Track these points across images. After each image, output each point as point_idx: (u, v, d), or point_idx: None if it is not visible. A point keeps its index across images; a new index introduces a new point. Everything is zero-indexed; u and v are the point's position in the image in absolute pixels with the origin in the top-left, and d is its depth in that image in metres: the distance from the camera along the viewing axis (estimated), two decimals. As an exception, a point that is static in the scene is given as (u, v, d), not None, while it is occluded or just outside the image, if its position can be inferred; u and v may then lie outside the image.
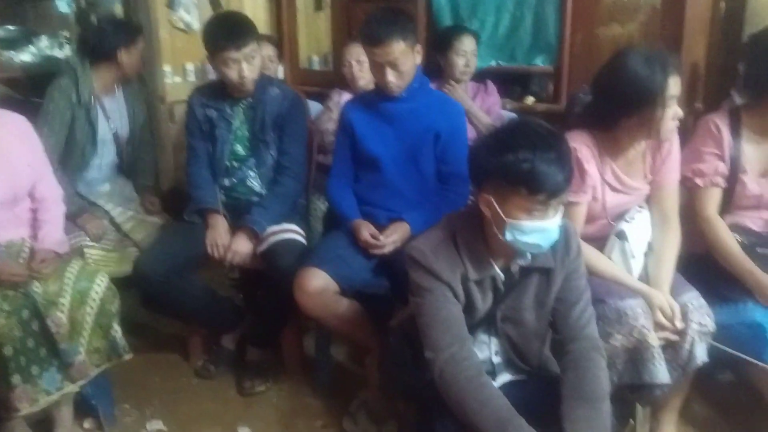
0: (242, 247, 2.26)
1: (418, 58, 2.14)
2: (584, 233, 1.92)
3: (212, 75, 2.93)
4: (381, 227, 2.13)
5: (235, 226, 2.31)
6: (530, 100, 2.91)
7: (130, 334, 2.11)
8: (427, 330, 1.48)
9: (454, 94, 2.69)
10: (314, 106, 3.05)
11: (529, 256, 1.50)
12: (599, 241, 1.93)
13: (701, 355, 1.74)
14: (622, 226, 1.88)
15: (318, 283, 2.00)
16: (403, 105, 2.16)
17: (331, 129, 2.86)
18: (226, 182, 2.39)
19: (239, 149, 2.37)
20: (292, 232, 2.30)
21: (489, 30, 2.97)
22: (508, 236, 1.40)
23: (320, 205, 2.70)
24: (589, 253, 1.85)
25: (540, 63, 2.87)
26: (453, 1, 3.01)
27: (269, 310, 2.33)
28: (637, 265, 1.88)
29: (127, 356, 2.03)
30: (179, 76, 2.98)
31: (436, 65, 2.79)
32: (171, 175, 3.07)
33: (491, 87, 2.86)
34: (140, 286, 2.21)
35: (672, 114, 1.75)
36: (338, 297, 2.05)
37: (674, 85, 1.72)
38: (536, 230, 1.39)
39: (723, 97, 2.49)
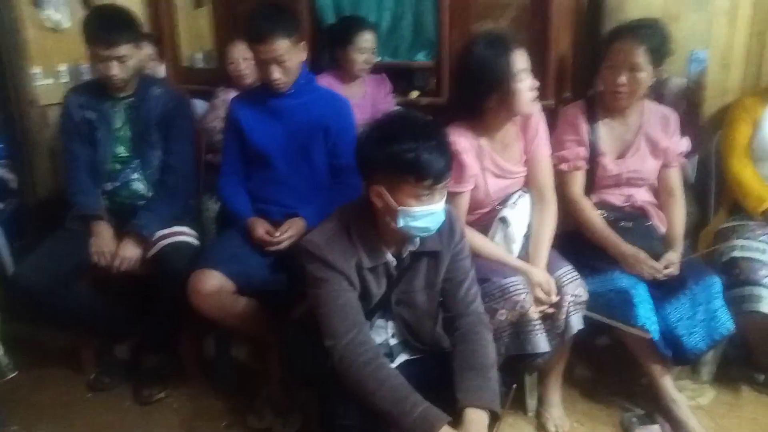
0: (130, 252, 2.19)
1: (304, 55, 2.17)
2: (472, 219, 2.04)
3: (87, 75, 2.79)
4: (276, 223, 2.14)
5: (122, 232, 2.22)
6: (415, 94, 3.01)
7: (14, 351, 1.98)
8: (325, 319, 1.52)
9: None
10: (200, 105, 2.99)
11: (418, 241, 1.58)
12: (486, 225, 2.05)
13: (577, 324, 1.90)
14: (505, 212, 2.01)
15: (213, 284, 1.98)
16: (290, 101, 2.17)
17: (218, 127, 2.81)
18: (109, 186, 2.29)
19: (121, 151, 2.29)
20: (183, 234, 2.25)
21: (372, 27, 3.04)
22: (401, 222, 1.47)
23: (212, 205, 2.65)
24: (473, 236, 1.97)
25: (422, 58, 2.98)
26: (335, -2, 3.06)
27: (163, 315, 2.26)
28: (517, 248, 2.02)
29: (12, 375, 1.91)
30: (51, 77, 2.80)
31: (332, 59, 2.82)
32: (49, 182, 2.89)
33: (388, 86, 2.92)
34: (21, 300, 2.08)
35: (527, 86, 1.89)
36: (235, 296, 2.04)
37: (519, 59, 1.87)
38: (425, 214, 1.48)
39: (590, 87, 2.70)
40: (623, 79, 2.03)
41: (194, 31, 3.52)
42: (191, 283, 1.99)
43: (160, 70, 3.09)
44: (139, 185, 2.31)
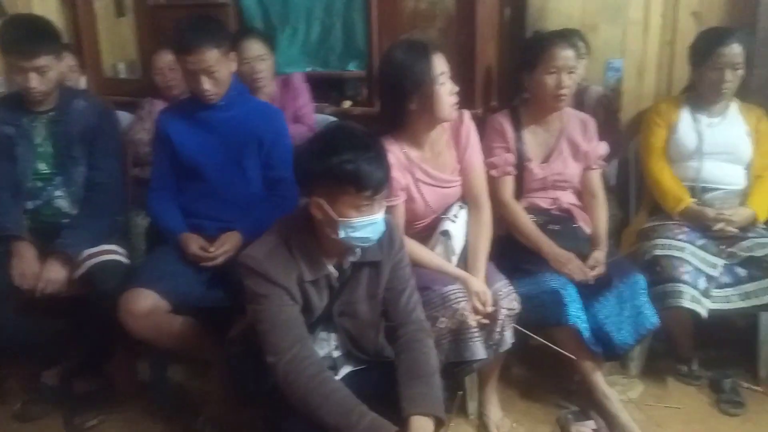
0: (55, 274, 2.08)
1: (234, 66, 2.14)
2: (414, 231, 2.07)
3: (2, 88, 2.65)
4: (211, 238, 2.09)
5: (46, 252, 2.11)
6: (347, 103, 3.02)
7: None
8: (267, 335, 1.50)
9: None
10: (125, 117, 2.89)
11: (359, 251, 1.59)
12: (427, 237, 2.08)
13: (510, 338, 1.97)
14: (447, 225, 2.04)
15: (146, 304, 1.92)
16: (222, 113, 2.14)
17: (145, 140, 2.73)
18: (30, 205, 2.18)
19: (43, 167, 2.18)
20: (111, 252, 2.16)
21: (301, 37, 3.04)
22: (342, 234, 1.48)
23: (141, 221, 2.57)
24: (413, 246, 2.00)
25: (353, 68, 3.00)
26: (264, 9, 3.03)
27: (94, 338, 2.17)
28: (456, 259, 2.06)
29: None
30: (-38, 91, 2.65)
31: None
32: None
33: (297, 78, 2.80)
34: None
35: (448, 90, 1.92)
36: (170, 316, 1.98)
37: (438, 63, 1.90)
38: (366, 225, 1.49)
39: (514, 95, 2.80)
40: (567, 81, 2.12)
41: (117, 41, 3.40)
42: (123, 304, 1.92)
43: (82, 82, 2.97)
44: (63, 203, 2.21)
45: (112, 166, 2.26)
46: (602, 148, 2.30)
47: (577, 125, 2.27)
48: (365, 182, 1.43)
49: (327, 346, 1.66)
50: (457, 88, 1.96)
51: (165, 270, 2.02)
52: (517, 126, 2.25)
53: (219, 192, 2.16)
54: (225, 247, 2.04)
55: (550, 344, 2.00)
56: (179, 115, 2.18)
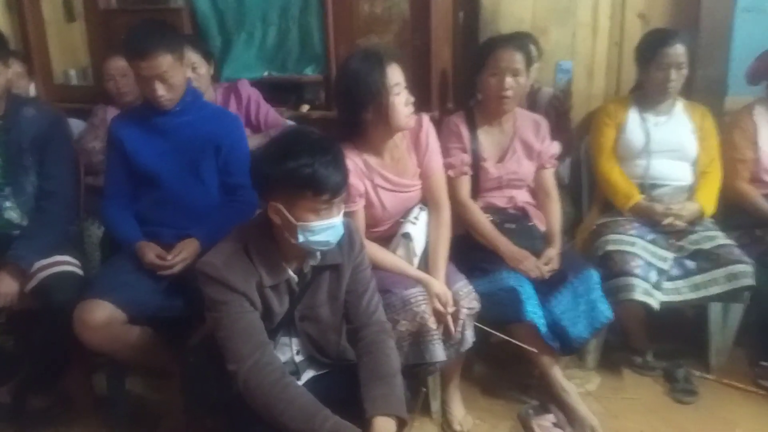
0: (6, 287, 2.02)
1: (188, 71, 2.12)
2: (375, 235, 2.09)
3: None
4: (168, 246, 2.06)
5: (-4, 265, 2.05)
6: (305, 108, 3.02)
7: None
8: (227, 343, 1.49)
9: None
10: (77, 125, 2.82)
11: (319, 255, 1.59)
12: (389, 239, 2.10)
13: (471, 338, 2.00)
14: (408, 228, 2.06)
15: (102, 315, 1.87)
16: (177, 119, 2.11)
17: (98, 148, 2.67)
18: (-23, 217, 2.12)
19: (-9, 178, 2.12)
20: (65, 264, 2.12)
21: (258, 42, 3.02)
22: (301, 238, 1.48)
23: (95, 231, 2.51)
24: (374, 249, 2.01)
25: (310, 72, 2.99)
26: (218, 14, 3.00)
27: (48, 352, 2.11)
28: (417, 261, 2.08)
29: None
30: None
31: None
32: None
33: (243, 84, 2.74)
34: None
35: (403, 100, 1.95)
36: (127, 327, 1.94)
37: (394, 73, 1.92)
38: (324, 228, 1.49)
39: (470, 97, 2.84)
40: (510, 82, 2.17)
41: (67, 47, 3.32)
42: (77, 316, 1.87)
43: (31, 89, 2.89)
44: (13, 214, 2.15)
45: (64, 175, 2.21)
46: (555, 147, 2.35)
47: (529, 126, 2.32)
48: (323, 186, 1.44)
49: (289, 351, 1.66)
50: (412, 99, 1.98)
51: (121, 280, 1.98)
52: (472, 127, 2.29)
53: (175, 199, 2.13)
54: (182, 254, 2.02)
55: (510, 339, 2.04)
56: (133, 122, 2.14)
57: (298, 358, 1.67)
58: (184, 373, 1.81)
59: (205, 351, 1.64)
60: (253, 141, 2.44)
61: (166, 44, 1.98)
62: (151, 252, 2.01)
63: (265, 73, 3.02)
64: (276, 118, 2.76)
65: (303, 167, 1.42)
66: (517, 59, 2.16)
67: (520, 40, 2.32)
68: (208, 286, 1.50)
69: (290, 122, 2.91)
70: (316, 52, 2.96)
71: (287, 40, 2.99)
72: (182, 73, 2.07)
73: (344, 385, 1.60)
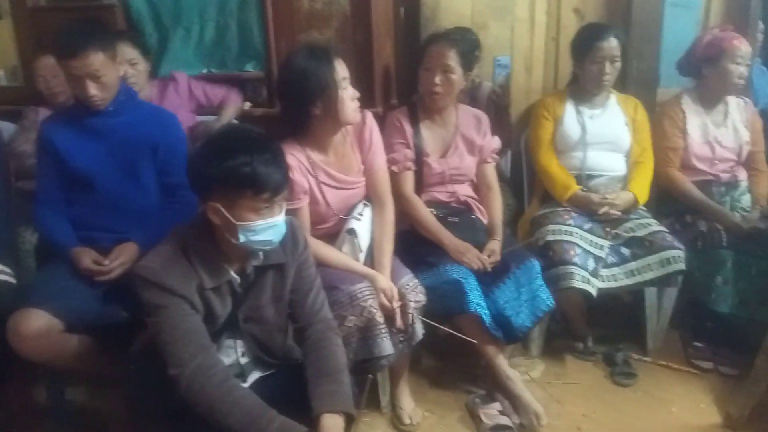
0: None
1: (121, 69, 2.06)
2: (319, 232, 2.08)
3: None
4: (106, 251, 2.00)
5: None
6: (247, 105, 2.97)
7: None
8: (168, 347, 1.47)
9: None
10: (6, 127, 2.70)
11: (261, 255, 1.58)
12: (334, 236, 2.10)
13: (420, 331, 2.02)
14: (352, 224, 2.07)
15: (38, 325, 1.81)
16: (111, 119, 2.06)
17: (30, 151, 2.55)
18: None
19: None
20: (-4, 272, 2.03)
21: (195, 38, 2.94)
22: (242, 238, 1.46)
23: (29, 237, 2.41)
24: (320, 246, 2.02)
25: (251, 69, 2.94)
26: (153, 10, 2.91)
27: (-19, 364, 2.03)
28: (363, 257, 2.09)
29: None
30: None
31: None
32: None
33: (181, 77, 2.74)
34: None
35: (350, 95, 1.96)
36: (65, 335, 1.88)
37: (341, 68, 1.93)
38: (266, 228, 1.48)
39: (413, 93, 2.86)
40: (438, 80, 2.19)
41: (-6, 46, 3.17)
42: (11, 326, 1.80)
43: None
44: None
45: (-8, 180, 2.12)
46: (495, 142, 2.40)
47: (471, 121, 2.36)
48: (263, 184, 1.42)
49: (233, 353, 1.65)
50: (358, 93, 1.99)
51: (57, 287, 1.92)
52: (415, 122, 2.32)
53: (112, 202, 2.08)
54: (120, 259, 1.97)
55: (452, 332, 2.07)
56: (65, 123, 2.07)
57: (243, 360, 1.65)
58: (127, 379, 1.77)
59: (148, 357, 1.60)
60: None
61: (98, 42, 1.92)
62: (86, 257, 1.95)
63: (204, 70, 2.96)
64: (217, 89, 2.77)
65: (242, 166, 1.40)
66: (449, 56, 2.19)
67: (459, 36, 2.33)
68: (146, 290, 1.47)
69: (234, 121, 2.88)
70: (256, 49, 2.92)
71: (226, 36, 2.93)
72: (115, 71, 2.01)
73: (291, 384, 1.60)
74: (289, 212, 1.86)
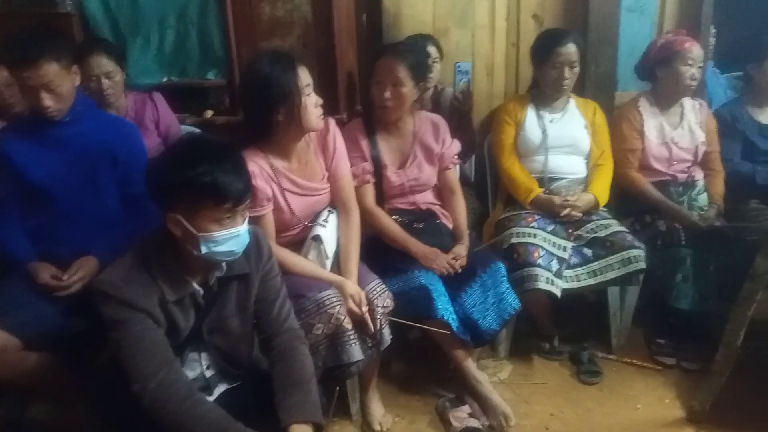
0: None
1: (77, 79, 2.02)
2: (284, 240, 2.07)
3: None
4: (66, 265, 1.95)
5: None
6: (209, 113, 2.94)
7: None
8: (130, 362, 1.44)
9: None
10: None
11: (224, 265, 1.56)
12: (300, 243, 2.08)
13: (389, 336, 2.02)
14: (317, 230, 2.06)
15: (-6, 343, 1.76)
16: (68, 129, 2.01)
17: (-17, 164, 2.49)
18: None
19: None
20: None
21: (155, 47, 2.90)
22: (204, 249, 1.44)
23: (-15, 253, 2.34)
24: (285, 254, 2.00)
25: (212, 77, 2.92)
26: (111, 18, 2.86)
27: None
28: (330, 263, 2.08)
29: None
30: None
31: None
32: None
33: (159, 99, 2.72)
34: None
35: (313, 101, 1.95)
36: (23, 353, 1.83)
37: (304, 75, 1.93)
38: (229, 238, 1.46)
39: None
40: (388, 93, 2.20)
41: (-58, 56, 3.07)
42: (-34, 345, 1.74)
43: None
44: None
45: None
46: (455, 146, 2.41)
47: (428, 128, 2.36)
48: (224, 194, 1.41)
49: (198, 366, 1.62)
50: (321, 100, 1.98)
51: (14, 304, 1.86)
52: (371, 134, 2.31)
53: (71, 214, 2.03)
54: (80, 273, 1.92)
55: (423, 326, 2.07)
56: (20, 134, 2.01)
57: (208, 373, 1.63)
58: (90, 396, 1.73)
59: (111, 372, 1.57)
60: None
61: (52, 51, 1.88)
62: (44, 272, 1.91)
63: (165, 79, 2.92)
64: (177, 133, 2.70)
65: (202, 175, 1.38)
66: (398, 69, 2.17)
67: (408, 48, 2.28)
68: (105, 305, 1.44)
69: (195, 129, 2.84)
70: (217, 56, 2.89)
71: (186, 44, 2.90)
72: (70, 81, 1.97)
73: (259, 395, 1.58)
74: (252, 220, 1.86)
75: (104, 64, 2.48)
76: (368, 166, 2.27)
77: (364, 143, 2.29)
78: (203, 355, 1.62)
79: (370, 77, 2.27)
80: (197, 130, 2.83)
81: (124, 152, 2.07)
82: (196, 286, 1.54)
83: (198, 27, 2.88)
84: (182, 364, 1.57)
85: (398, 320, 2.05)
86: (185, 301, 1.53)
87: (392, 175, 2.31)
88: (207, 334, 1.59)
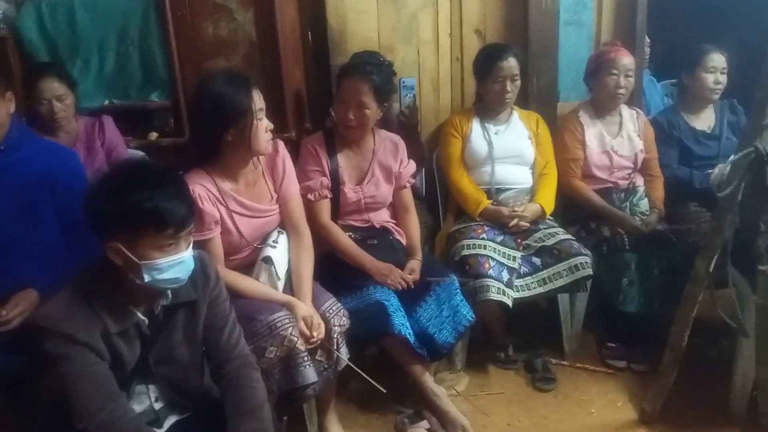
0: None
1: (12, 106, 1.95)
2: (234, 263, 2.04)
3: None
4: (4, 299, 1.87)
5: None
6: (154, 135, 2.89)
7: None
8: (73, 399, 1.38)
9: None
10: None
11: (170, 293, 1.52)
12: (250, 266, 2.05)
13: (346, 356, 2.01)
14: (267, 251, 2.03)
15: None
16: (4, 158, 1.94)
17: None
18: None
19: None
20: None
21: (95, 69, 2.84)
22: (146, 278, 1.40)
23: None
24: (236, 277, 1.97)
25: (156, 98, 2.86)
26: (49, 41, 2.78)
27: None
28: (281, 285, 2.06)
29: None
30: None
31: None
32: None
33: (108, 122, 2.69)
34: None
35: (265, 125, 1.95)
36: (-41, 393, 1.75)
37: (258, 98, 1.92)
38: (172, 265, 1.42)
39: (326, 117, 2.87)
40: (352, 114, 2.21)
41: None
42: None
43: None
44: None
45: None
46: (412, 166, 2.43)
47: (388, 147, 2.38)
48: (166, 220, 1.37)
49: (146, 399, 1.57)
50: (272, 126, 1.98)
51: (-53, 341, 1.78)
52: (331, 149, 2.31)
53: (9, 246, 1.94)
54: (19, 308, 1.84)
55: (364, 375, 2.03)
56: (-49, 165, 1.93)
57: (157, 405, 1.58)
58: (34, 435, 1.66)
59: (54, 410, 1.51)
60: None
61: None
62: (-20, 308, 1.82)
63: (106, 101, 2.85)
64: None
65: (142, 202, 1.35)
66: (363, 91, 2.19)
67: (375, 70, 2.26)
68: (45, 340, 1.38)
69: (138, 152, 2.79)
70: (160, 78, 2.84)
71: (128, 65, 2.83)
72: (4, 108, 1.90)
73: (210, 425, 1.55)
74: (200, 244, 1.85)
75: (55, 87, 2.44)
76: (326, 181, 2.27)
77: (324, 158, 2.28)
78: (151, 386, 1.57)
79: (336, 96, 2.28)
80: (141, 153, 2.78)
81: (63, 179, 2.01)
82: (140, 316, 1.49)
83: (139, 48, 2.82)
84: (129, 397, 1.52)
85: (351, 365, 2.02)
86: (130, 332, 1.48)
87: (349, 191, 2.32)
88: (154, 365, 1.54)
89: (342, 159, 2.33)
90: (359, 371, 2.00)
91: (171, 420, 1.60)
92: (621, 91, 2.64)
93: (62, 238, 2.03)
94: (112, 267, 1.43)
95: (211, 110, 1.87)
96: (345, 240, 2.27)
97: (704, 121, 2.82)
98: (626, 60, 2.64)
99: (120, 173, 1.44)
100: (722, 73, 2.72)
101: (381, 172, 2.36)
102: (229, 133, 1.88)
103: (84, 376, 1.38)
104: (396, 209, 2.46)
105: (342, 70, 2.33)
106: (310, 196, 2.25)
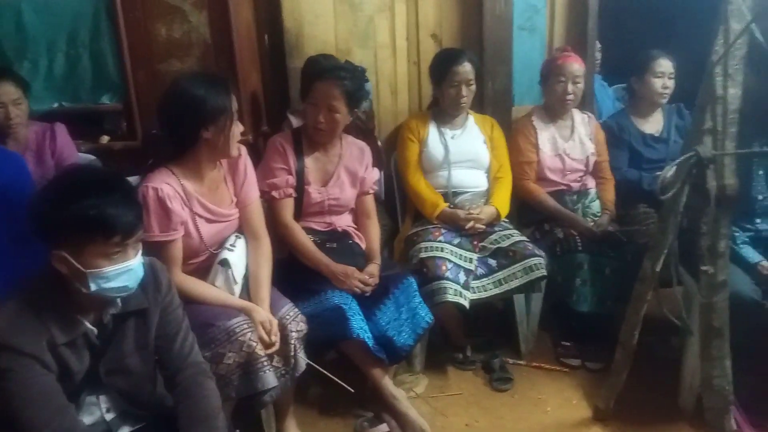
0: None
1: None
2: (191, 268, 2.00)
3: None
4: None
5: None
6: (105, 138, 2.83)
7: None
8: (20, 414, 1.33)
9: None
10: None
11: (119, 302, 1.48)
12: (206, 271, 2.02)
13: (303, 362, 1.99)
14: (224, 254, 2.00)
15: None
16: (-53, 165, 1.87)
17: None
18: None
19: None
20: None
21: (44, 71, 2.76)
22: (93, 287, 1.36)
23: None
24: (191, 283, 1.94)
25: (107, 101, 2.81)
26: (-5, 41, 2.71)
27: None
28: (238, 289, 2.03)
29: None
30: None
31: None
32: None
33: (60, 130, 2.64)
34: None
35: (239, 129, 1.94)
36: None
37: (234, 102, 1.92)
38: (120, 273, 1.39)
39: (283, 119, 2.86)
40: (322, 117, 2.21)
41: None
42: None
43: None
44: None
45: None
46: (375, 173, 2.45)
47: (354, 153, 2.39)
48: (113, 227, 1.34)
49: (97, 410, 1.52)
50: (243, 128, 1.97)
51: None
52: (299, 149, 2.31)
53: (-48, 255, 1.88)
54: (-39, 319, 1.77)
55: (333, 377, 2.02)
56: None
57: (109, 416, 1.54)
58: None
59: (2, 425, 1.46)
60: None
61: None
62: None
63: (56, 104, 2.78)
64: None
65: (88, 209, 1.31)
66: (335, 95, 2.19)
67: (347, 75, 2.26)
68: (-11, 353, 1.33)
69: (90, 156, 2.72)
70: (112, 80, 2.79)
71: (78, 67, 2.77)
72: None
73: (164, 435, 1.52)
74: (163, 245, 1.82)
75: (11, 91, 2.40)
76: (291, 179, 2.27)
77: (291, 157, 2.28)
78: (102, 397, 1.53)
79: (307, 97, 2.28)
80: (93, 157, 2.71)
81: (9, 186, 1.95)
82: (88, 325, 1.45)
83: (90, 50, 2.77)
84: (79, 409, 1.47)
85: (313, 365, 2.00)
86: (78, 342, 1.43)
87: (314, 191, 2.32)
88: (105, 375, 1.50)
89: (309, 161, 2.32)
90: (324, 371, 1.99)
91: (123, 431, 1.57)
92: (569, 97, 2.70)
93: (9, 247, 1.97)
94: (59, 275, 1.39)
95: (191, 106, 1.84)
96: (305, 241, 2.26)
97: (653, 124, 2.91)
98: (575, 66, 2.70)
99: (65, 180, 1.40)
100: (670, 77, 2.80)
101: (346, 175, 2.37)
102: (208, 130, 1.86)
103: (30, 390, 1.34)
104: (358, 215, 2.46)
105: (316, 72, 2.32)
106: (275, 194, 2.23)
